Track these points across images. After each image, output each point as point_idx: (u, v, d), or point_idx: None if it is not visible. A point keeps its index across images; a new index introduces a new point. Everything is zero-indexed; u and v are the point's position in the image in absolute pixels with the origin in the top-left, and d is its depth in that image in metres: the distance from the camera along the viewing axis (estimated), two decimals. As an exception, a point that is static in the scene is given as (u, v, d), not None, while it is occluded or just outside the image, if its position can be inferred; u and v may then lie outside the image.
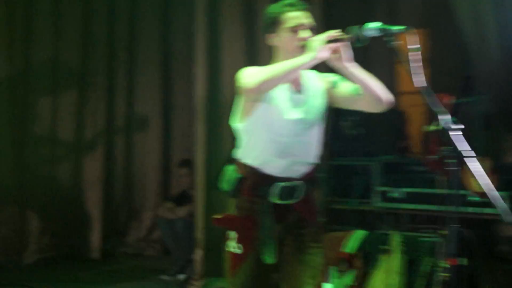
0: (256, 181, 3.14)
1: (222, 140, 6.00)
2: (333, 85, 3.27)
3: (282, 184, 3.13)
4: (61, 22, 7.60)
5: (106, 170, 7.90)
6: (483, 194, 2.42)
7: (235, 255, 3.15)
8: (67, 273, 6.98)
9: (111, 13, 7.91)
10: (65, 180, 7.72)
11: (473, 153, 2.50)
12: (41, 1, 7.53)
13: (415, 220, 5.80)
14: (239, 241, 3.14)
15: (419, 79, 2.64)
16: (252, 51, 6.05)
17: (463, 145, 2.53)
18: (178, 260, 6.74)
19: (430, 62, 6.73)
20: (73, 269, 7.15)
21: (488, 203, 2.45)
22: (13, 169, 7.41)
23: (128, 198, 8.13)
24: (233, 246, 3.15)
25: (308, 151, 3.20)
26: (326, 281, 3.34)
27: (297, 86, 3.20)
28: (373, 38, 2.92)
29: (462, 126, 2.56)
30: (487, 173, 2.48)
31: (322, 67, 3.19)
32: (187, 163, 7.16)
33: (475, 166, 2.47)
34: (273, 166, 3.13)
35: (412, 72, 2.65)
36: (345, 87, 3.23)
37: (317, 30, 3.14)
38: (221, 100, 6.01)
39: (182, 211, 6.87)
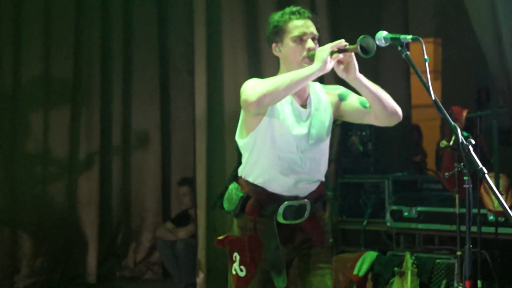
0: (260, 200, 3.12)
1: (225, 157, 6.00)
2: (340, 98, 3.24)
3: (288, 203, 3.10)
4: (52, 35, 7.60)
5: (102, 188, 7.87)
6: (498, 213, 2.41)
7: (238, 278, 3.13)
8: (61, 298, 6.98)
9: (105, 24, 7.91)
10: (59, 199, 7.69)
11: (485, 170, 2.49)
12: (31, 12, 7.54)
13: (429, 241, 5.78)
14: (242, 263, 3.12)
15: (432, 92, 2.63)
16: (255, 59, 6.01)
17: (476, 162, 2.52)
18: (179, 283, 6.73)
19: (443, 73, 6.73)
20: (68, 294, 7.14)
21: (505, 222, 2.45)
22: (3, 188, 7.40)
23: (125, 219, 8.10)
24: (236, 268, 3.13)
25: (315, 168, 3.18)
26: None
27: (302, 99, 3.16)
28: (387, 48, 2.90)
29: (473, 142, 2.55)
30: (504, 190, 2.48)
31: (329, 78, 3.18)
32: (188, 181, 7.16)
33: (490, 183, 2.46)
34: (277, 184, 3.12)
35: (425, 84, 2.65)
36: (353, 100, 3.21)
37: (323, 39, 3.13)
38: (223, 113, 6.00)
39: (182, 232, 6.86)
